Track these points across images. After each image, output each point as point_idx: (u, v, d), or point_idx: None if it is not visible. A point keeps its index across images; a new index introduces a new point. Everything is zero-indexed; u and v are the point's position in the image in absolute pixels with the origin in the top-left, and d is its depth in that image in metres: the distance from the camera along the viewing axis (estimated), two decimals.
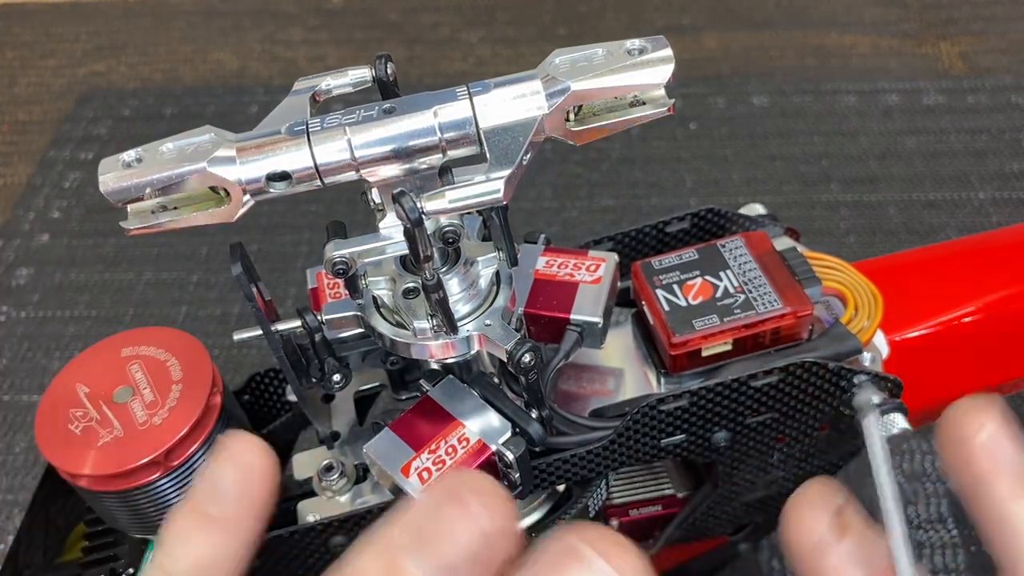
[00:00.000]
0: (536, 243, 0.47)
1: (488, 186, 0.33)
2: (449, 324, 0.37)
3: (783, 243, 0.48)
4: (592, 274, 0.44)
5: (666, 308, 0.43)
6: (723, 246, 0.45)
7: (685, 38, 1.40)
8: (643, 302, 0.45)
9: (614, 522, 0.48)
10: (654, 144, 1.22)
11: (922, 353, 0.52)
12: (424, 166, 0.34)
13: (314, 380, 0.42)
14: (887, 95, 1.26)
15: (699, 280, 0.44)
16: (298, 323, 0.41)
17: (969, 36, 1.36)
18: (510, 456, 0.39)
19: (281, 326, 0.40)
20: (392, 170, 0.34)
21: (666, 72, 0.33)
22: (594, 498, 0.44)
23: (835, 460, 0.48)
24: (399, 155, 0.34)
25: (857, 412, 0.41)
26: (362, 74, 0.38)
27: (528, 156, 0.34)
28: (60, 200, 1.20)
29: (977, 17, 1.39)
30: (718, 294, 0.43)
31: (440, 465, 0.38)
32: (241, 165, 0.33)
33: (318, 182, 0.34)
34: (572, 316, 0.42)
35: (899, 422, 0.41)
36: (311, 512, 0.44)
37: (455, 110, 0.34)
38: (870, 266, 0.51)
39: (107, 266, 1.10)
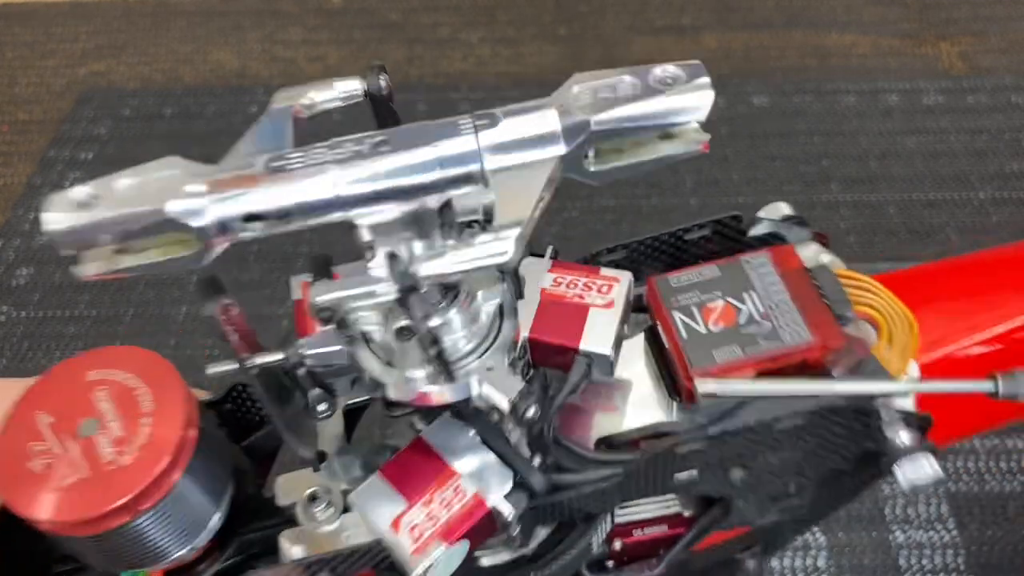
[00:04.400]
0: (543, 256, 0.42)
1: (496, 247, 0.29)
2: (446, 373, 0.33)
3: (810, 252, 0.45)
4: (604, 296, 0.40)
5: (684, 335, 0.39)
6: (748, 262, 0.41)
7: (685, 38, 1.40)
8: (658, 323, 0.41)
9: (617, 543, 0.46)
10: None
11: (954, 373, 0.49)
12: (420, 207, 0.30)
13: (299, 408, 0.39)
14: (887, 95, 1.26)
15: (720, 303, 0.40)
16: (280, 355, 0.37)
17: (969, 36, 1.36)
18: (509, 515, 0.36)
19: (260, 359, 0.37)
20: (384, 212, 0.30)
21: (704, 104, 0.29)
22: (598, 532, 0.42)
23: (856, 487, 0.46)
24: (391, 196, 0.29)
25: (885, 452, 0.39)
26: (352, 87, 0.34)
27: (543, 205, 0.29)
28: None
29: (977, 17, 1.39)
30: (741, 320, 0.39)
31: (433, 521, 0.36)
32: (212, 205, 0.29)
33: (301, 223, 0.30)
34: (582, 347, 0.38)
35: (928, 466, 0.38)
36: (294, 543, 0.41)
37: (458, 146, 0.29)
38: (896, 280, 0.48)
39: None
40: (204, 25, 1.50)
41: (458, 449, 0.37)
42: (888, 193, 1.12)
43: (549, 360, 0.40)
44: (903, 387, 0.38)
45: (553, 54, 1.39)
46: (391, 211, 0.30)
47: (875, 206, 1.11)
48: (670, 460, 0.39)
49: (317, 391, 0.38)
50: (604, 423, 0.42)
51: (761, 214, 0.47)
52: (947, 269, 0.56)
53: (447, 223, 0.31)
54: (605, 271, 0.41)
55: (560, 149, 0.29)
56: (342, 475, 0.42)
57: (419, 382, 0.34)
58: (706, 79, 0.29)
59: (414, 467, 0.37)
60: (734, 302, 0.40)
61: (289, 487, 0.42)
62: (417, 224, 0.30)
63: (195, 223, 0.28)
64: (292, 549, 0.40)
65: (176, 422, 0.36)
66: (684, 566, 0.52)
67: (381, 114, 0.34)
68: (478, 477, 0.36)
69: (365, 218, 0.30)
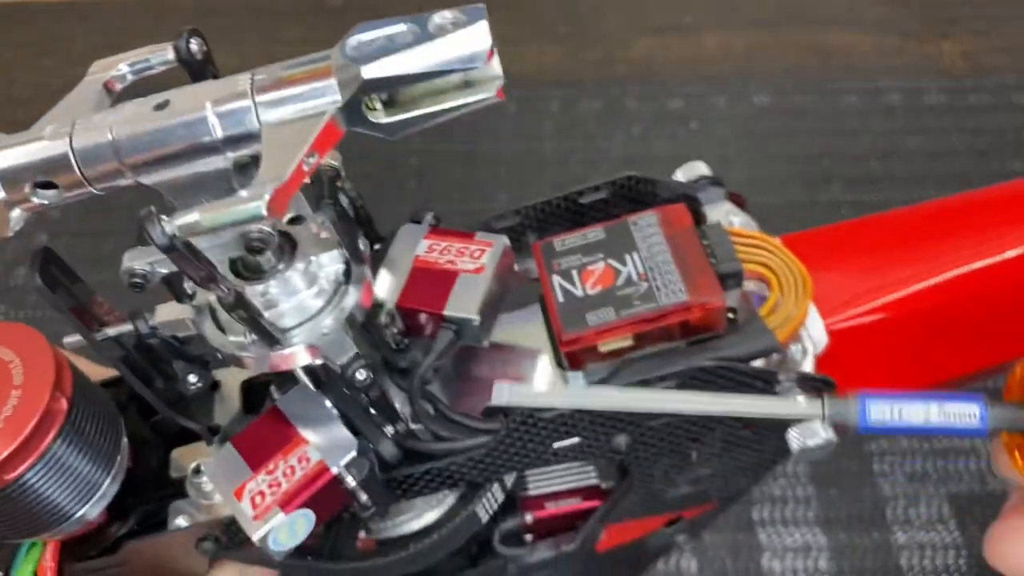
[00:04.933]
0: (420, 223, 0.41)
1: (249, 204, 0.27)
2: (265, 338, 0.33)
3: (721, 212, 0.43)
4: (475, 261, 0.39)
5: (560, 299, 0.38)
6: (635, 223, 0.40)
7: (686, 37, 1.40)
8: (542, 289, 0.40)
9: (528, 516, 0.45)
10: (655, 144, 1.21)
11: (868, 341, 0.46)
12: (210, 168, 0.30)
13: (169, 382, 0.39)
14: (889, 94, 1.26)
15: (601, 264, 0.38)
16: (128, 326, 0.37)
17: (971, 35, 1.36)
18: (351, 481, 0.35)
19: (112, 331, 0.37)
20: (170, 174, 0.29)
21: (479, 48, 0.28)
22: (485, 503, 0.41)
23: (769, 456, 0.44)
24: (173, 157, 0.29)
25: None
26: (166, 55, 0.33)
27: (312, 160, 0.28)
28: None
29: (979, 16, 1.39)
30: (619, 282, 0.38)
31: (275, 488, 0.35)
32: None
33: (90, 188, 0.30)
34: (446, 312, 0.37)
35: (821, 431, 0.36)
36: (181, 514, 0.40)
37: (233, 103, 0.29)
38: (812, 239, 0.46)
39: (105, 266, 1.10)
40: (203, 24, 1.49)
41: (311, 418, 0.37)
42: (890, 193, 1.12)
43: (422, 332, 0.39)
44: (712, 406, 0.37)
45: (553, 54, 1.39)
46: (177, 172, 0.29)
47: (877, 206, 1.11)
48: (541, 427, 0.38)
49: (181, 363, 0.38)
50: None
51: (677, 174, 0.46)
52: (864, 226, 0.54)
53: (244, 184, 0.30)
54: (481, 236, 0.40)
55: (334, 100, 0.29)
56: None
57: (244, 347, 0.34)
58: (483, 22, 0.28)
59: (264, 436, 0.37)
60: (615, 264, 0.39)
61: (182, 460, 0.42)
62: (214, 186, 0.30)
63: None
64: (177, 520, 0.40)
65: (43, 393, 0.36)
66: (614, 557, 0.51)
67: (199, 80, 0.32)
68: (326, 446, 0.36)
69: (154, 181, 0.30)
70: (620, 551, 0.52)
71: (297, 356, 0.34)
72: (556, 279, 0.39)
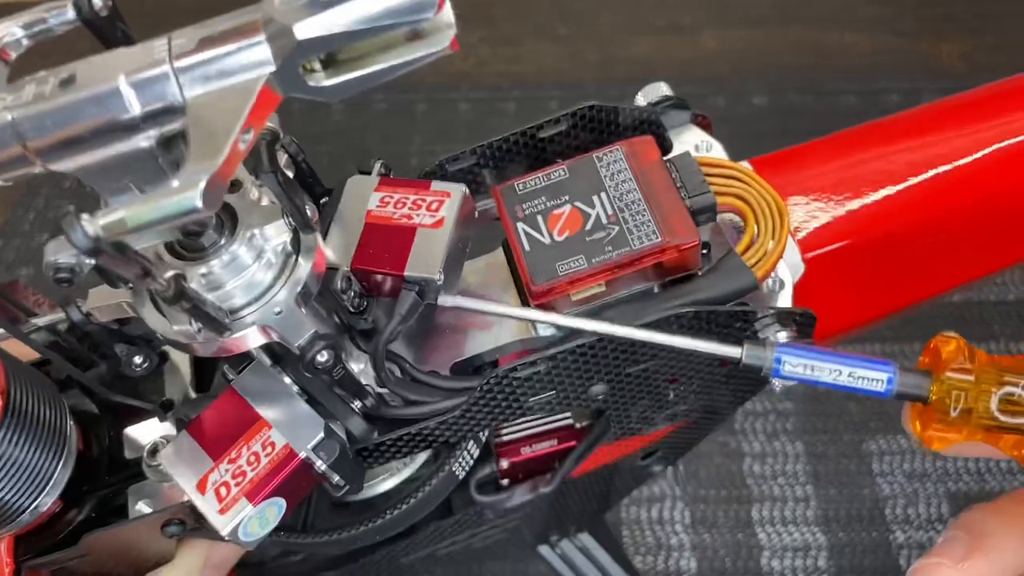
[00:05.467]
0: (370, 174, 0.38)
1: (181, 198, 0.24)
2: (212, 326, 0.30)
3: (690, 137, 0.41)
4: (434, 214, 0.36)
5: (527, 247, 0.36)
6: (599, 159, 0.37)
7: (684, 38, 1.40)
8: (505, 235, 0.38)
9: (504, 462, 0.44)
10: None
11: (842, 265, 0.44)
12: (130, 148, 0.26)
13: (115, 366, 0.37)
14: (887, 94, 1.26)
15: (567, 208, 0.36)
16: (60, 315, 0.35)
17: (968, 35, 1.36)
18: (320, 464, 0.34)
19: (41, 320, 0.35)
20: (85, 158, 0.26)
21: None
22: (460, 461, 0.39)
23: (745, 388, 0.43)
24: (85, 139, 0.26)
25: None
26: (63, 13, 0.29)
27: (248, 136, 0.25)
28: (60, 200, 1.20)
29: (976, 16, 1.39)
30: (588, 226, 0.36)
31: (240, 478, 0.33)
32: None
33: None
34: (407, 273, 0.35)
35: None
36: (142, 499, 0.38)
37: (150, 72, 0.25)
38: (785, 159, 0.44)
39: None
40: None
41: (271, 397, 0.34)
42: None
43: (381, 290, 0.36)
44: (630, 332, 0.35)
45: (553, 54, 1.39)
46: (92, 156, 0.26)
47: None
48: (516, 385, 0.36)
49: (123, 346, 0.35)
50: (476, 342, 0.39)
51: (638, 97, 0.43)
52: (833, 142, 0.52)
53: (173, 163, 0.27)
54: (437, 185, 0.37)
55: (266, 65, 0.25)
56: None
57: (191, 335, 0.31)
58: None
59: (222, 421, 0.35)
60: (582, 206, 0.36)
61: (135, 439, 0.40)
62: (137, 167, 0.27)
63: None
64: (138, 505, 0.38)
65: None
66: (586, 486, 0.50)
67: (109, 43, 0.29)
68: (290, 427, 0.34)
69: (67, 167, 0.26)
70: (592, 480, 0.51)
71: (249, 338, 0.31)
72: (521, 226, 0.36)
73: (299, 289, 0.31)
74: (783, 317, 0.36)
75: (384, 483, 0.41)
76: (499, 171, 0.41)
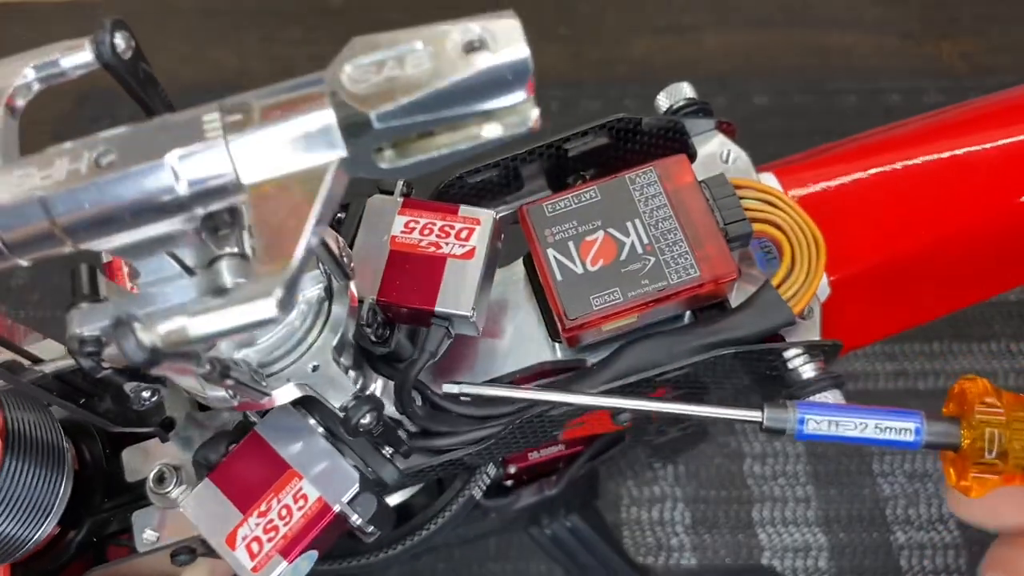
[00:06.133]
0: (392, 194, 0.37)
1: (255, 307, 0.22)
2: (252, 396, 0.29)
3: (714, 146, 0.40)
4: (463, 244, 0.34)
5: (559, 277, 0.35)
6: (632, 180, 0.36)
7: (686, 38, 1.40)
8: (533, 258, 0.36)
9: (512, 467, 0.43)
10: None
11: (867, 284, 0.43)
12: (171, 228, 0.24)
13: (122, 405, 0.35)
14: (888, 95, 1.26)
15: (600, 235, 0.35)
16: (70, 361, 0.33)
17: (970, 36, 1.36)
18: (357, 520, 0.33)
19: (49, 367, 0.33)
20: (123, 238, 0.24)
21: (518, 78, 0.22)
22: (479, 484, 0.39)
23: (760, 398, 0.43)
24: (123, 221, 0.23)
25: (789, 385, 0.36)
26: (82, 56, 0.27)
27: (320, 225, 0.23)
28: None
29: (978, 17, 1.39)
30: (623, 256, 0.35)
31: (273, 533, 0.32)
32: None
33: (19, 260, 0.24)
34: (438, 308, 0.34)
35: (832, 400, 0.35)
36: (148, 526, 0.37)
37: (202, 154, 0.23)
38: (804, 170, 0.43)
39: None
40: (203, 24, 1.49)
41: (297, 443, 0.33)
42: None
43: (405, 320, 0.35)
44: (650, 406, 0.34)
45: (553, 54, 1.39)
46: (131, 236, 0.24)
47: None
48: (546, 420, 0.35)
49: (134, 384, 0.32)
50: (495, 361, 0.38)
51: (660, 96, 0.42)
52: (859, 153, 0.50)
53: (213, 229, 0.25)
54: (465, 211, 0.35)
55: (338, 153, 0.23)
56: (196, 444, 0.37)
57: (227, 400, 0.29)
58: (521, 45, 0.22)
59: (248, 469, 0.33)
60: (616, 234, 0.35)
61: (136, 461, 0.38)
62: (175, 243, 0.25)
63: None
64: (145, 533, 0.36)
65: None
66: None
67: (131, 86, 0.26)
68: (321, 477, 0.32)
69: (104, 247, 0.24)
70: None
71: (287, 395, 0.30)
72: (552, 253, 0.35)
73: (335, 342, 0.30)
74: (812, 349, 0.35)
75: (394, 499, 0.40)
76: (518, 180, 0.40)
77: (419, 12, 1.65)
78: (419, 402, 0.36)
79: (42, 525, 0.35)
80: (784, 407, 0.33)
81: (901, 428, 0.32)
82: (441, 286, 0.34)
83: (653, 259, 0.34)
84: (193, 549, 0.37)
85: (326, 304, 0.31)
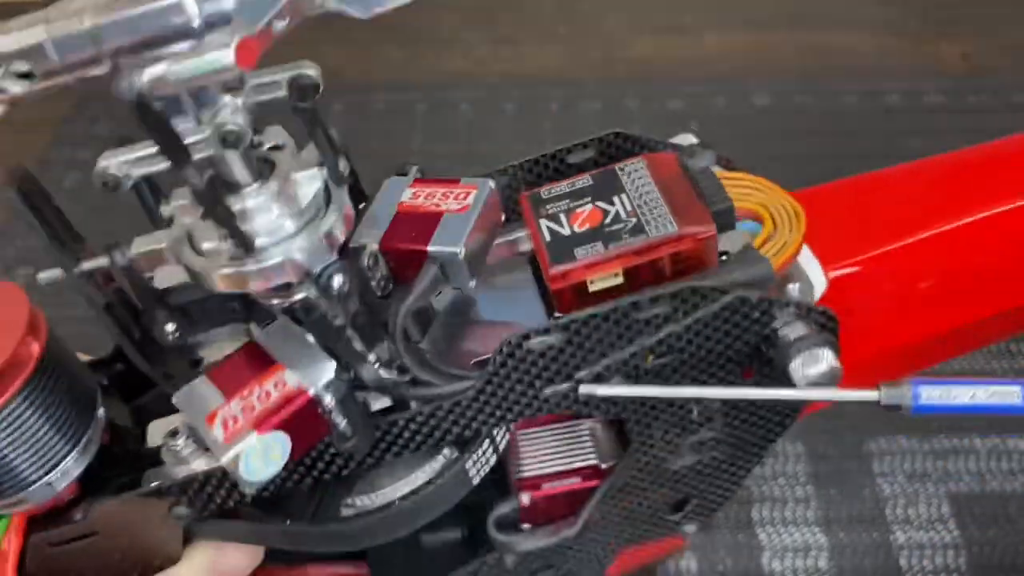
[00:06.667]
0: (406, 175, 0.41)
1: (217, 53, 0.28)
2: (240, 241, 0.32)
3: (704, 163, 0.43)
4: (460, 202, 0.38)
5: (547, 238, 0.37)
6: (622, 169, 0.40)
7: (686, 38, 1.40)
8: (529, 235, 0.39)
9: (525, 496, 0.43)
10: None
11: (869, 288, 0.45)
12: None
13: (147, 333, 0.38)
14: (888, 95, 1.26)
15: (589, 207, 0.38)
16: (104, 259, 0.36)
17: (970, 36, 1.36)
18: (329, 400, 0.34)
19: (87, 264, 0.36)
20: (150, 60, 0.29)
21: None
22: (476, 462, 0.39)
23: (775, 419, 0.42)
24: (151, 44, 0.29)
25: (777, 350, 0.36)
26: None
27: (283, 24, 0.29)
28: (60, 200, 1.20)
29: (978, 17, 1.39)
30: (607, 220, 0.37)
31: (249, 411, 0.34)
32: None
33: (64, 77, 0.29)
34: (430, 248, 0.36)
35: (827, 358, 0.35)
36: (155, 480, 0.39)
37: None
38: (815, 193, 0.46)
39: None
40: None
41: (290, 352, 0.36)
42: None
43: (408, 272, 0.38)
44: (791, 394, 0.36)
45: (553, 54, 1.39)
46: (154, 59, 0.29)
47: None
48: (530, 364, 0.36)
49: (161, 312, 0.37)
50: (494, 337, 0.39)
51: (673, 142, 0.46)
52: (887, 176, 0.53)
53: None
54: (466, 180, 0.39)
55: None
56: None
57: (219, 258, 0.33)
58: None
59: (240, 367, 0.36)
60: (602, 205, 0.38)
61: (159, 429, 0.40)
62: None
63: None
64: (151, 484, 0.38)
65: (12, 337, 0.35)
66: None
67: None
68: (304, 369, 0.35)
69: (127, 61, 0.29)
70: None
71: (272, 271, 0.33)
72: (543, 222, 0.38)
73: (324, 230, 0.33)
74: (803, 313, 0.36)
75: (395, 492, 0.40)
76: (520, 191, 0.43)
77: (418, 12, 1.65)
78: (414, 354, 0.37)
79: (47, 472, 0.36)
80: (898, 384, 0.35)
81: (1009, 392, 0.34)
82: (436, 232, 0.37)
83: (635, 220, 0.37)
84: (191, 501, 0.37)
85: (324, 210, 0.34)
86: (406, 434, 0.37)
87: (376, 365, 0.36)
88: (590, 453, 0.44)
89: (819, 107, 1.25)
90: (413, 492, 0.39)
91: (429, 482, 0.39)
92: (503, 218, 0.41)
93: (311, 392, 0.34)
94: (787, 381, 0.36)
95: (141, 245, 0.36)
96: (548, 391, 0.37)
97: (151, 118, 0.29)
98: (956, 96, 1.25)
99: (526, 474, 0.44)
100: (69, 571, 0.39)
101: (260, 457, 0.34)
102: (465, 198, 0.38)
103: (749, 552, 0.84)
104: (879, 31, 1.38)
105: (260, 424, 0.34)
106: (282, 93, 0.32)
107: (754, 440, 0.43)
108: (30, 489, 0.36)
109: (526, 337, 0.35)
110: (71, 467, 0.36)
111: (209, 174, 0.31)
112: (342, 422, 0.35)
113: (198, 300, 0.38)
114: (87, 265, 0.36)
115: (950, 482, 0.86)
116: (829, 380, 0.36)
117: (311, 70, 0.36)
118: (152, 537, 0.39)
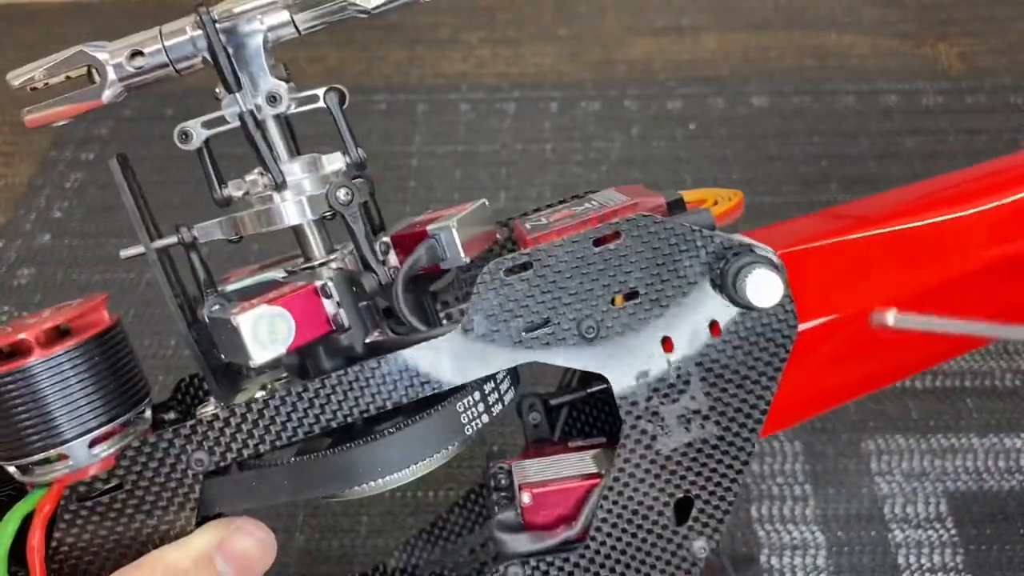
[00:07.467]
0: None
1: None
2: (271, 169, 0.41)
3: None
4: (458, 212, 0.46)
5: (528, 227, 0.46)
6: (595, 192, 0.51)
7: (685, 39, 1.40)
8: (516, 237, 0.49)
9: (526, 495, 0.45)
10: (654, 144, 1.22)
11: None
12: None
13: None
14: (886, 96, 1.27)
15: (565, 209, 0.49)
16: (173, 238, 0.42)
17: (968, 37, 1.37)
18: (331, 288, 0.41)
19: (160, 242, 0.41)
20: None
21: None
22: (466, 406, 0.42)
23: (757, 390, 0.45)
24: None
25: (729, 279, 0.41)
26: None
27: None
28: (61, 200, 1.20)
29: (976, 18, 1.40)
30: (578, 211, 0.47)
31: (265, 299, 0.39)
32: (111, 50, 0.44)
33: (171, 69, 0.44)
34: (429, 228, 0.44)
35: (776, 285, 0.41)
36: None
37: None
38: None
39: (108, 266, 1.10)
40: None
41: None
42: None
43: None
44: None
45: (553, 55, 1.40)
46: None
47: None
48: (508, 295, 0.42)
49: (216, 296, 0.42)
50: None
51: None
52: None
53: None
54: (466, 205, 0.47)
55: None
56: None
57: (255, 196, 0.42)
58: None
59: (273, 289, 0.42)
60: (575, 207, 0.49)
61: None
62: None
63: (98, 55, 0.45)
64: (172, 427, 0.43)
65: (98, 304, 0.41)
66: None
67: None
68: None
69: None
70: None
71: (292, 210, 0.41)
72: (527, 222, 0.48)
73: (335, 181, 0.42)
74: (751, 250, 0.42)
75: (398, 481, 0.41)
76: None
77: (418, 12, 1.65)
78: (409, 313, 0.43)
79: (75, 433, 0.38)
80: None
81: None
82: (434, 223, 0.44)
83: (597, 203, 0.47)
84: (211, 448, 0.39)
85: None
86: (382, 384, 0.40)
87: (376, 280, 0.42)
88: (589, 463, 0.48)
89: (817, 108, 1.26)
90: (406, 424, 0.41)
91: (420, 417, 0.41)
92: (497, 236, 0.49)
93: (318, 284, 0.41)
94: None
95: (203, 224, 0.43)
96: (532, 335, 0.43)
97: (217, 53, 0.41)
98: (954, 97, 1.26)
99: (529, 479, 0.46)
100: (92, 562, 0.39)
101: (267, 328, 0.38)
102: (463, 209, 0.46)
103: (747, 550, 0.84)
104: (877, 32, 1.39)
105: (270, 301, 0.39)
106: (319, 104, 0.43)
107: (738, 407, 0.45)
108: (69, 445, 0.38)
109: (500, 263, 0.42)
110: (110, 439, 0.39)
111: (253, 108, 0.41)
112: (340, 313, 0.41)
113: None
114: (161, 242, 0.41)
115: (948, 481, 0.86)
116: (778, 297, 0.41)
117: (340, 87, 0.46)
118: (168, 501, 0.39)
